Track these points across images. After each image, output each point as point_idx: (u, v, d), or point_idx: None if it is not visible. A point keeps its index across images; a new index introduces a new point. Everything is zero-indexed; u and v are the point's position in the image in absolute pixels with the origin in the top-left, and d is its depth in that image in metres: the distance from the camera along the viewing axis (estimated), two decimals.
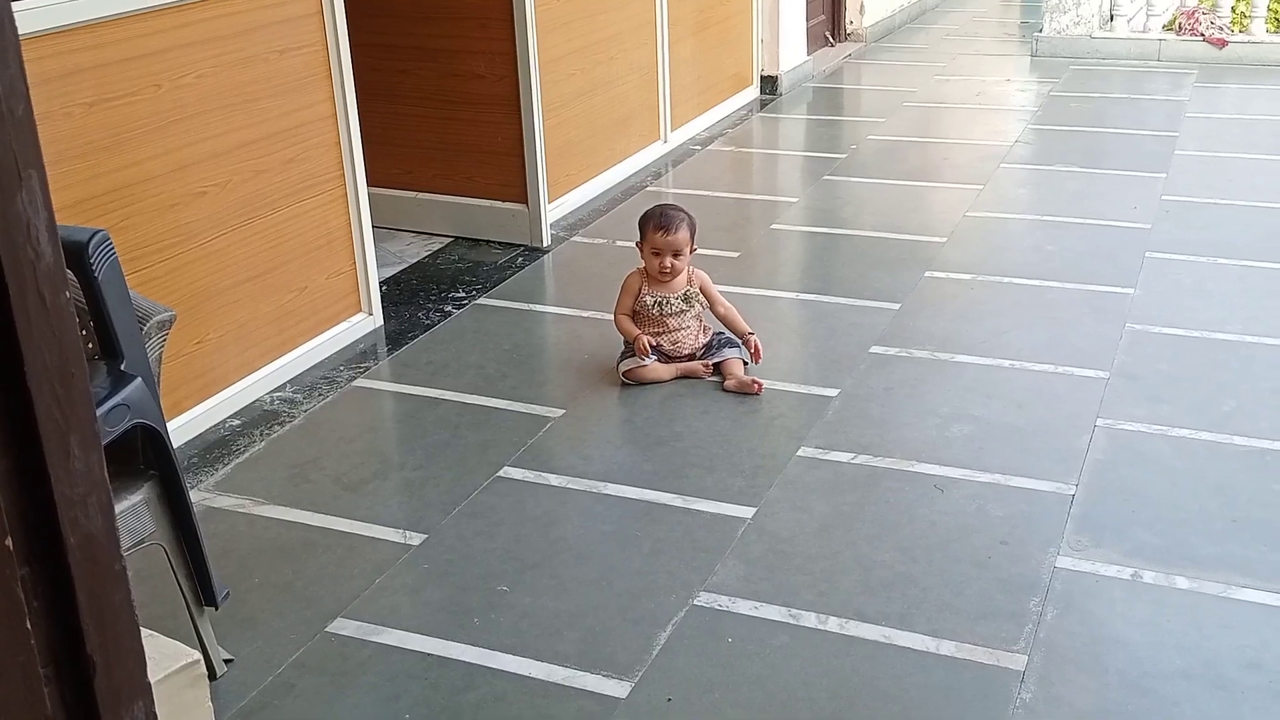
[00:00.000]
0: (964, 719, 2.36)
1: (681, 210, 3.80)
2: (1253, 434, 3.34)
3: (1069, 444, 3.32)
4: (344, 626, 2.66)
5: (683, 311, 3.75)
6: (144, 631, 1.45)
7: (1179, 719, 2.34)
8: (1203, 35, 7.89)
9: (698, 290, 3.77)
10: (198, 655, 1.85)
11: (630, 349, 3.74)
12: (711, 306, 3.80)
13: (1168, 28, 8.12)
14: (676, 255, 3.71)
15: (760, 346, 3.73)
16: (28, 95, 0.77)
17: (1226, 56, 7.80)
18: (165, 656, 1.79)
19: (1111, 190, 5.43)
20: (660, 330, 3.74)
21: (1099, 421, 3.43)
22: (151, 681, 0.99)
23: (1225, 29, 7.91)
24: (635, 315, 3.78)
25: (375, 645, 2.60)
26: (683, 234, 3.71)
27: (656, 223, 3.72)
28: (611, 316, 3.85)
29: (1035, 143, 6.28)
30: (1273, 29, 7.93)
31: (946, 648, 2.55)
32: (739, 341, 3.77)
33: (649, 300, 3.74)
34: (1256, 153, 5.93)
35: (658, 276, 3.73)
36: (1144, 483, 3.14)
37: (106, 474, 0.93)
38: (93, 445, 0.90)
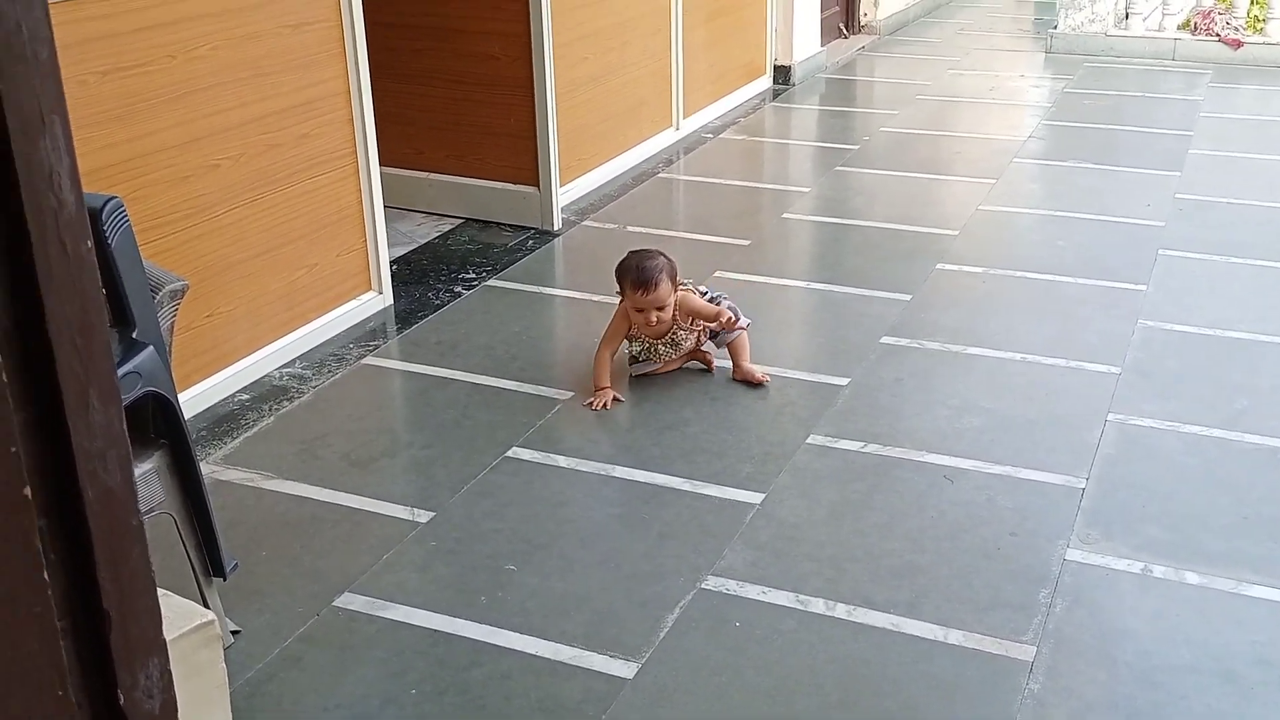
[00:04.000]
0: (972, 708, 2.35)
1: (657, 257, 3.52)
2: (1263, 432, 3.32)
3: (1080, 438, 3.30)
4: (351, 601, 2.66)
5: (675, 344, 3.60)
6: (159, 590, 1.44)
7: (1187, 712, 2.33)
8: (1218, 35, 7.85)
9: (686, 325, 3.56)
10: (212, 616, 1.84)
11: (641, 355, 3.62)
12: (698, 316, 3.56)
13: (1183, 27, 8.09)
14: (660, 308, 3.47)
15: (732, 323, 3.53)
16: (52, 40, 0.75)
17: (1241, 57, 7.77)
18: (180, 616, 1.79)
19: (1125, 187, 5.40)
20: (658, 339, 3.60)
21: (1110, 416, 3.41)
22: (166, 640, 0.98)
23: (1240, 30, 7.87)
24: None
25: (382, 621, 2.59)
26: (664, 287, 3.45)
27: (634, 280, 3.45)
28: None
29: (1049, 138, 6.25)
30: None
31: (955, 637, 2.53)
32: (743, 321, 3.61)
33: (636, 348, 3.61)
34: (1271, 153, 5.90)
35: (644, 330, 3.54)
36: (1154, 478, 3.12)
37: (126, 429, 0.91)
38: (112, 399, 0.88)
